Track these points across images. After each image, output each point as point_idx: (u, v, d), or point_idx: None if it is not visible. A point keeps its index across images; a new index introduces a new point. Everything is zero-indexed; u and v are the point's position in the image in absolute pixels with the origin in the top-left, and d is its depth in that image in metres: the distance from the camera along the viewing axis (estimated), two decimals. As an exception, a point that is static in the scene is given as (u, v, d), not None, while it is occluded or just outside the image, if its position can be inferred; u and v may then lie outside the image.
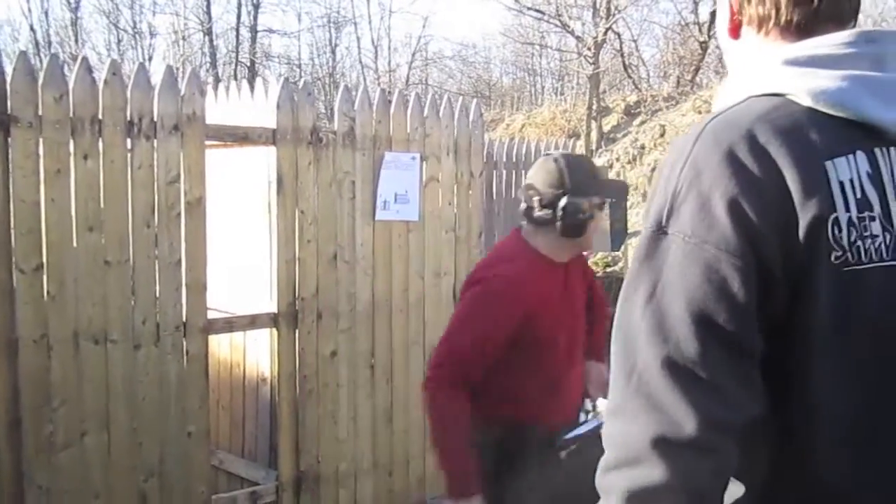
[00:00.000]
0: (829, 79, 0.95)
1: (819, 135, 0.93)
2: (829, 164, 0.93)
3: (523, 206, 2.19)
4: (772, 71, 0.99)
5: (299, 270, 3.48)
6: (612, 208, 7.61)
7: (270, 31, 22.75)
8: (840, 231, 0.92)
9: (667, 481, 0.88)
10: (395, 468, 3.90)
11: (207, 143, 3.24)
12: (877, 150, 0.96)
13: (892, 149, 0.97)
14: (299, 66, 23.46)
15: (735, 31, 1.07)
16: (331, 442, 3.65)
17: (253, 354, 3.71)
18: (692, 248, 0.91)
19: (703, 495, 0.90)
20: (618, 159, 9.73)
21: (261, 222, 3.50)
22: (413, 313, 3.88)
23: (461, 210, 4.04)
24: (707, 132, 0.95)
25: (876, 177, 0.94)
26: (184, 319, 3.18)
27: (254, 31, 21.36)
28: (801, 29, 1.00)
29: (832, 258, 0.92)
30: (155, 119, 3.06)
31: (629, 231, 7.61)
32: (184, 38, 18.43)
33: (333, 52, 23.62)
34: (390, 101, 3.76)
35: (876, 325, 0.94)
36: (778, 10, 1.01)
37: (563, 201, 2.10)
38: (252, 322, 3.46)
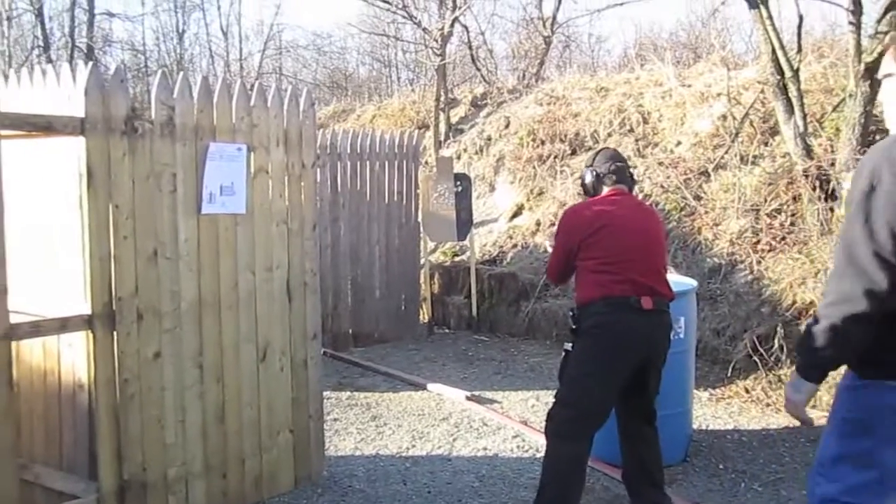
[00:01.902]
0: None
1: None
2: None
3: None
4: None
5: (115, 269, 3.27)
6: (457, 199, 7.72)
7: (110, 14, 21.51)
8: None
9: (863, 311, 1.94)
10: (230, 469, 3.77)
11: (4, 132, 2.99)
12: None
13: None
14: (144, 53, 22.23)
15: None
16: (157, 447, 3.48)
17: (68, 359, 3.46)
18: (889, 196, 1.93)
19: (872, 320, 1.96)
20: (465, 150, 9.85)
21: (72, 218, 3.26)
22: (244, 309, 3.76)
23: (293, 202, 3.95)
24: (883, 145, 2.01)
25: None
26: (-19, 325, 2.92)
27: (91, 13, 20.09)
28: None
29: None
30: (-62, 106, 2.79)
31: (474, 221, 7.72)
32: (9, 19, 17.04)
33: (181, 38, 22.56)
34: (213, 90, 3.61)
35: None
36: None
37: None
38: (63, 325, 3.23)
